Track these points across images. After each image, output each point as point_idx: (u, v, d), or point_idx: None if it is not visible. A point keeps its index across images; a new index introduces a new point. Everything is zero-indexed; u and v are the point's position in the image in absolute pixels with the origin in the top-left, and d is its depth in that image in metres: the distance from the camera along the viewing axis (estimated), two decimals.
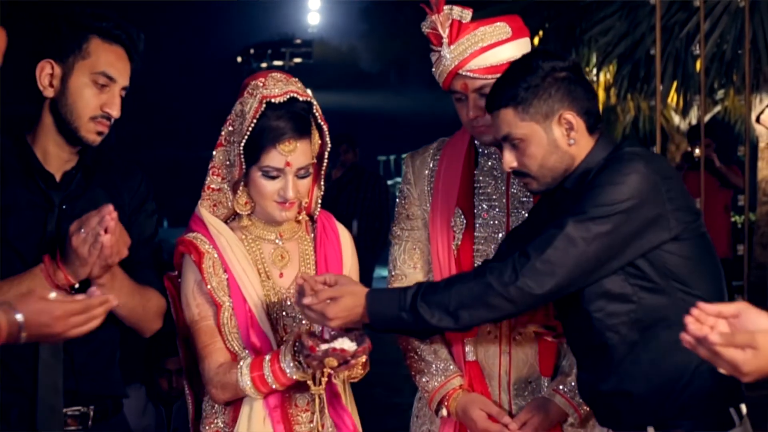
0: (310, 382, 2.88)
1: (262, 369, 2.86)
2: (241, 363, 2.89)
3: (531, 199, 3.17)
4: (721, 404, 2.78)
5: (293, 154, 2.92)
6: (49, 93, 2.93)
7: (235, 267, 2.97)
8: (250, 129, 2.89)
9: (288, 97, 2.91)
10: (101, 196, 3.03)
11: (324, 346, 2.77)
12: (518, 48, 3.09)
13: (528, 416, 3.09)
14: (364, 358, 2.88)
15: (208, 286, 2.95)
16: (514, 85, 2.82)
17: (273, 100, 2.89)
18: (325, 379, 2.89)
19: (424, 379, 3.21)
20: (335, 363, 2.78)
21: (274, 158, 2.92)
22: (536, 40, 11.80)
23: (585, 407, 3.10)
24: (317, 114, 2.97)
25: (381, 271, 11.09)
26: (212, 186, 3.05)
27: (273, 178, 2.94)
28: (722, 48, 10.56)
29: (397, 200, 3.36)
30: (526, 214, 3.16)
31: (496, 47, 3.07)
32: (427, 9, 3.10)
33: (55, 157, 2.97)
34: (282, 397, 2.95)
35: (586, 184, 2.78)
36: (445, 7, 3.07)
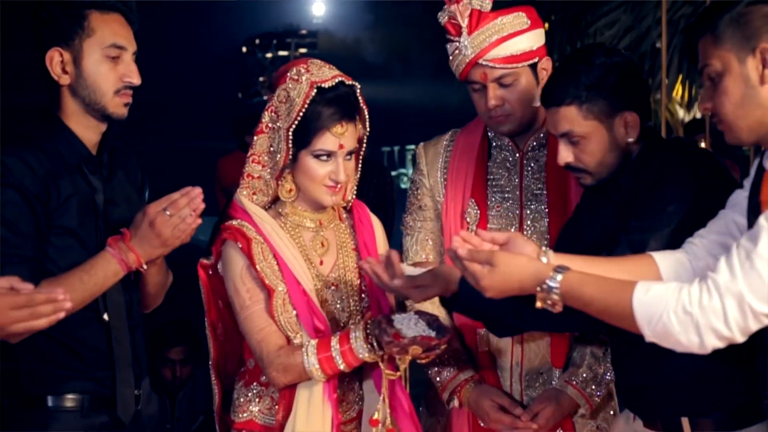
0: (382, 366, 2.87)
1: (329, 350, 2.85)
2: (306, 345, 2.88)
3: (545, 192, 3.18)
4: (754, 398, 2.78)
5: (344, 137, 2.96)
6: (66, 80, 2.92)
7: (285, 253, 2.97)
8: (302, 114, 2.91)
9: (336, 81, 2.94)
10: (123, 178, 3.06)
11: (410, 334, 2.77)
12: (535, 38, 3.11)
13: (540, 407, 3.10)
14: (444, 347, 2.86)
15: (261, 272, 2.93)
16: (576, 83, 2.81)
17: (323, 85, 2.92)
18: (404, 366, 2.89)
19: (435, 369, 3.20)
20: (420, 351, 2.79)
21: (327, 141, 2.94)
22: None
23: (596, 398, 3.11)
24: (360, 98, 3.00)
25: None
26: (252, 174, 3.04)
27: (324, 161, 2.96)
28: None
29: (409, 190, 3.36)
30: (540, 207, 3.18)
31: (515, 37, 3.07)
32: None
33: (87, 141, 2.97)
34: (338, 382, 2.96)
35: (647, 191, 2.79)
36: None
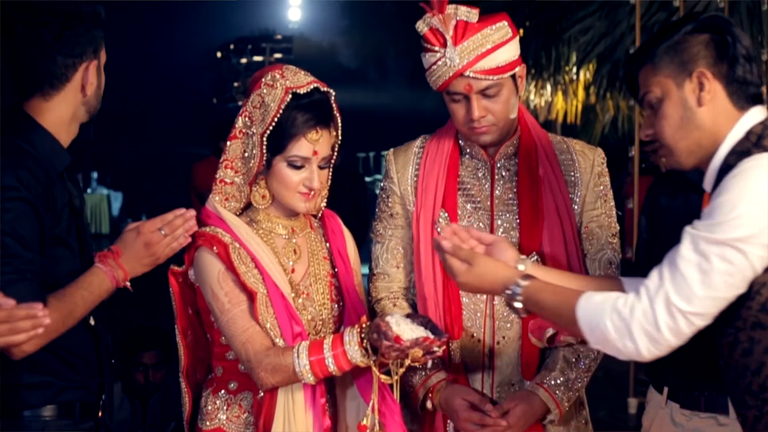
0: (375, 370, 2.86)
1: (322, 352, 2.82)
2: (298, 345, 2.85)
3: (516, 201, 3.18)
4: None
5: (319, 144, 2.96)
6: (90, 90, 2.94)
7: (263, 258, 2.95)
8: (276, 119, 2.91)
9: (312, 87, 2.94)
10: (74, 186, 3.04)
11: (410, 336, 2.76)
12: (515, 48, 3.10)
13: (511, 405, 3.09)
14: (444, 348, 2.87)
15: (242, 276, 2.90)
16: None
17: (298, 91, 2.92)
18: (402, 370, 2.87)
19: (408, 373, 3.19)
20: (420, 353, 2.77)
21: (302, 147, 2.94)
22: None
23: (566, 404, 3.11)
24: (334, 105, 3.00)
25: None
26: (225, 179, 3.03)
27: (298, 168, 2.96)
28: None
29: (380, 198, 3.33)
30: (512, 217, 3.17)
31: (501, 48, 3.05)
32: (428, 8, 3.06)
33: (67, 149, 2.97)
34: (323, 386, 2.96)
35: None
36: (449, 7, 3.04)
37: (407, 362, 2.82)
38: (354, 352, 2.81)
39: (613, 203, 3.25)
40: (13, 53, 2.89)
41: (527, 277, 2.61)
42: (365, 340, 2.80)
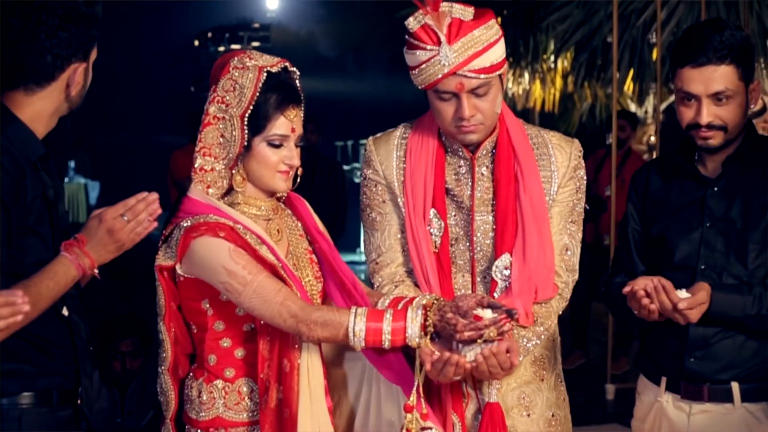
0: (429, 347, 2.86)
1: (381, 321, 2.83)
2: (356, 308, 2.86)
3: (494, 201, 3.16)
4: None
5: (296, 121, 3.00)
6: (76, 90, 2.94)
7: (264, 236, 2.96)
8: (255, 99, 2.93)
9: (281, 66, 2.98)
10: (52, 176, 3.03)
11: (488, 315, 2.81)
12: (503, 47, 3.09)
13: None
14: (513, 329, 2.91)
15: (258, 251, 2.90)
16: (734, 46, 3.08)
17: (271, 70, 2.95)
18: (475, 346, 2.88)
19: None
20: (495, 333, 2.81)
21: (281, 125, 2.97)
22: None
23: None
24: (299, 85, 3.04)
25: None
26: (205, 167, 3.01)
27: (278, 146, 2.98)
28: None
29: (365, 187, 3.28)
30: (489, 218, 3.15)
31: (493, 47, 3.03)
32: (421, 5, 3.02)
33: (40, 137, 2.95)
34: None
35: None
36: (444, 5, 3.02)
37: (480, 342, 2.84)
38: (414, 331, 2.84)
39: (583, 195, 3.23)
40: (2, 44, 2.88)
41: None
42: (429, 324, 2.84)
